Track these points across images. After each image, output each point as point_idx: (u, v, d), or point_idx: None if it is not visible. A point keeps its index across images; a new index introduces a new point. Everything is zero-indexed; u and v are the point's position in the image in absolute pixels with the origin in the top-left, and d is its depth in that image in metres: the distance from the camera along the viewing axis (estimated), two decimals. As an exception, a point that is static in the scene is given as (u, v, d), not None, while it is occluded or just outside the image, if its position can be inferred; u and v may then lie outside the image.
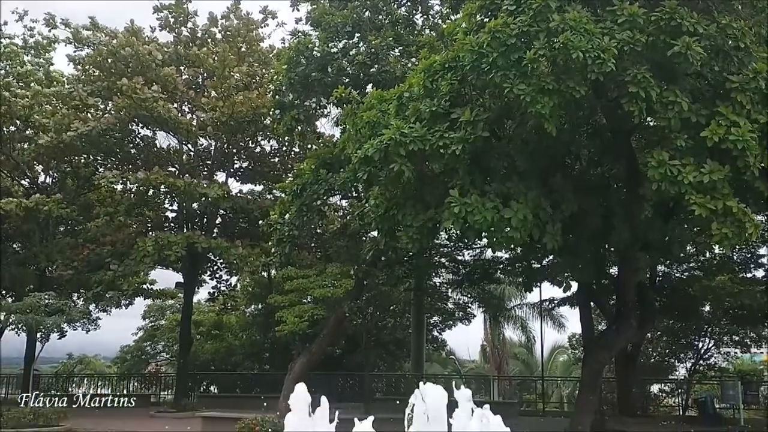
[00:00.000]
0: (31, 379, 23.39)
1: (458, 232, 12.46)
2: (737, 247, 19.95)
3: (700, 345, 27.74)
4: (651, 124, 12.83)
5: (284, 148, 27.88)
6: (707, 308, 25.81)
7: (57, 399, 19.58)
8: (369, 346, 29.55)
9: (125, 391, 31.76)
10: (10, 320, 21.82)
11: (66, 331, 25.45)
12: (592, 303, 18.53)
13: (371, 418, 3.96)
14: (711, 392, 26.04)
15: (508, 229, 11.22)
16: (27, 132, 26.91)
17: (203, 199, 23.72)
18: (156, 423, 20.02)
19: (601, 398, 20.06)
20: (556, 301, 28.78)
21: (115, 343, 39.27)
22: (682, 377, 28.93)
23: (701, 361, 28.36)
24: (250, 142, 27.51)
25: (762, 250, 23.83)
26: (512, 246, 13.04)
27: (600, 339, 16.77)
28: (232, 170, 28.42)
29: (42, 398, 18.96)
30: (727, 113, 10.66)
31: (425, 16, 20.32)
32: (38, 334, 23.59)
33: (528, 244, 12.26)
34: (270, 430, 12.34)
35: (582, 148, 15.35)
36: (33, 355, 25.81)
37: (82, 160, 27.60)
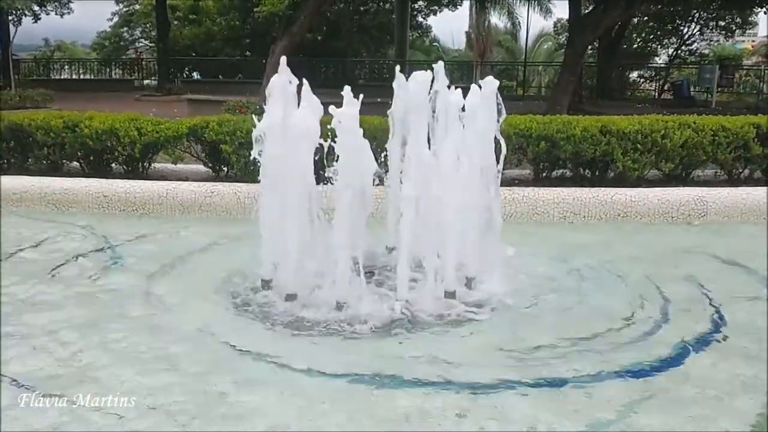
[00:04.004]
0: (11, 63, 23.14)
1: None
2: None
3: (685, 30, 27.61)
4: None
5: None
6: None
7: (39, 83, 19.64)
8: (351, 31, 29.13)
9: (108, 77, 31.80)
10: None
11: (39, 14, 24.70)
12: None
13: (358, 99, 3.94)
14: (688, 77, 26.52)
15: None
16: None
17: None
18: (142, 106, 20.28)
19: (580, 82, 20.43)
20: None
21: (91, 29, 38.39)
22: (663, 64, 29.24)
23: (683, 47, 28.46)
24: None
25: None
26: None
27: (586, 18, 16.56)
28: None
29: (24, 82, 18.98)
30: None
31: None
32: (10, 18, 22.84)
33: None
34: (254, 110, 12.59)
35: None
36: (8, 39, 25.25)
37: None
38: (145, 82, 31.41)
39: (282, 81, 4.24)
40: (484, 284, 4.36)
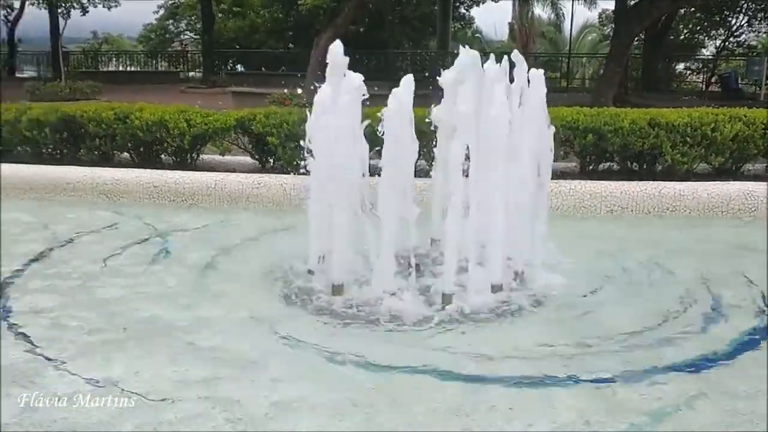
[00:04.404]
0: (61, 55, 23.64)
1: None
2: None
3: (733, 21, 26.94)
4: None
5: None
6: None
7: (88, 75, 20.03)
8: (394, 22, 29.07)
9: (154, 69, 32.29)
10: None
11: (87, 8, 25.19)
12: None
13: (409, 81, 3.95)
14: (735, 69, 25.88)
15: None
16: None
17: None
18: (188, 98, 20.57)
19: (626, 73, 20.10)
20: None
21: (138, 22, 38.97)
22: (710, 55, 28.60)
23: (731, 38, 27.78)
24: None
25: None
26: None
27: (633, 9, 16.28)
28: None
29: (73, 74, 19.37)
30: None
31: None
32: (59, 10, 23.34)
33: None
34: (298, 102, 12.66)
35: None
36: (58, 32, 25.80)
37: None
38: (190, 74, 31.83)
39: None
40: (531, 277, 4.34)
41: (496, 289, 4.13)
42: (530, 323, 3.86)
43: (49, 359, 3.38)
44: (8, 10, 29.84)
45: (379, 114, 3.95)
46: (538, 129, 4.31)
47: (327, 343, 3.55)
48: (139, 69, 32.66)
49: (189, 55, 33.57)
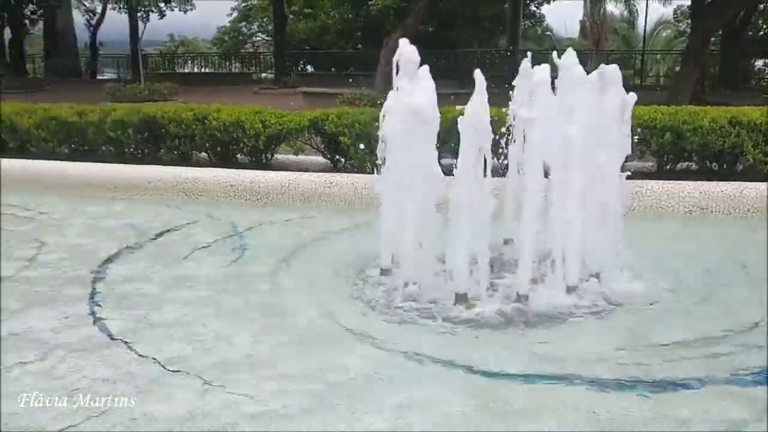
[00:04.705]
0: (140, 57, 24.44)
1: None
2: None
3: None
4: None
5: None
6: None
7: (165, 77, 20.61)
8: (463, 22, 28.96)
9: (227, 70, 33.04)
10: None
11: (164, 11, 26.01)
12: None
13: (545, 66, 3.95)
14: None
15: None
16: None
17: None
18: (260, 99, 20.97)
19: (703, 70, 19.49)
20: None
21: (212, 25, 39.99)
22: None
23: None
24: None
25: None
26: None
27: (711, 5, 15.78)
28: None
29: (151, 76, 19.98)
30: None
31: None
32: (138, 14, 24.15)
33: None
34: (369, 102, 12.77)
35: None
36: (137, 36, 26.71)
37: None
38: (262, 75, 32.45)
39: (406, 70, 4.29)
40: (608, 279, 4.28)
41: (571, 290, 4.09)
42: (604, 325, 3.80)
43: (129, 346, 3.54)
44: (91, 14, 31.04)
45: (458, 108, 3.96)
46: (615, 127, 4.25)
47: (396, 340, 3.57)
48: (212, 71, 33.47)
49: (261, 56, 34.22)
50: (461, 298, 3.99)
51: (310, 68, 32.71)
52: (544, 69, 3.99)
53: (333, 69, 30.41)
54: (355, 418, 2.85)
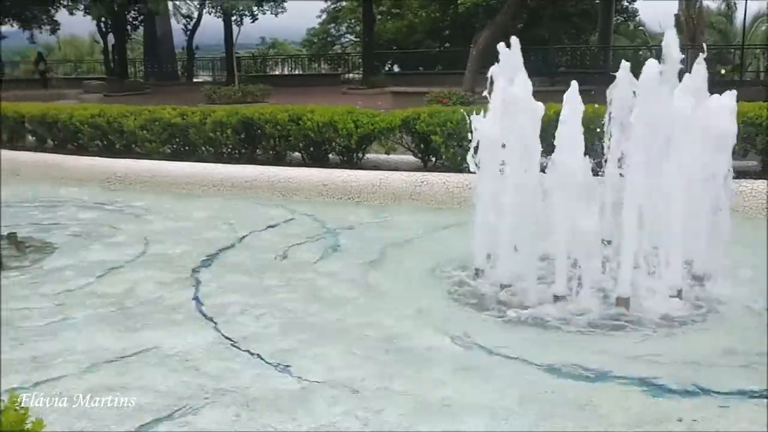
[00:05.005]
0: (235, 61, 25.11)
1: None
2: None
3: None
4: None
5: None
6: None
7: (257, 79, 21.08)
8: (553, 18, 28.46)
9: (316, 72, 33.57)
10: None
11: (257, 15, 26.67)
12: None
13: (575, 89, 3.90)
14: None
15: None
16: None
17: None
18: (349, 99, 21.22)
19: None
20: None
21: (301, 27, 40.70)
22: None
23: None
24: None
25: None
26: None
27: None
28: None
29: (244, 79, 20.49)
30: None
31: None
32: (233, 19, 24.87)
33: None
34: (458, 100, 12.74)
35: None
36: (232, 39, 27.48)
37: None
38: (349, 75, 32.79)
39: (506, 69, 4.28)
40: (712, 283, 4.15)
41: (673, 294, 3.98)
42: (708, 330, 3.69)
43: (229, 339, 3.70)
44: (188, 20, 32.19)
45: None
46: (720, 126, 4.11)
47: (494, 342, 3.56)
48: (301, 72, 34.07)
49: (348, 57, 34.60)
50: (560, 299, 3.95)
51: (395, 67, 32.84)
52: (652, 65, 3.88)
53: (420, 68, 30.43)
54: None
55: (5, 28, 31.17)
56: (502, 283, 4.22)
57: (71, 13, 27.71)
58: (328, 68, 34.19)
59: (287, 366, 3.34)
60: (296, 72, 34.79)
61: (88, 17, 26.98)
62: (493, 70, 4.32)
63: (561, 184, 3.87)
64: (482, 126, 4.26)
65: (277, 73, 34.64)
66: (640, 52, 27.86)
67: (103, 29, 30.99)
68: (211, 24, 29.92)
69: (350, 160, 7.91)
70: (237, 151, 8.43)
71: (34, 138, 10.07)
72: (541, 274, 4.13)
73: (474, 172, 4.46)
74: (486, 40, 15.36)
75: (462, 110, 7.18)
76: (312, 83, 26.54)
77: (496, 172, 4.28)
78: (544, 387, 3.11)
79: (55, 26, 30.46)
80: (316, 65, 34.98)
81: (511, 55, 4.29)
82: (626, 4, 32.65)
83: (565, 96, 3.92)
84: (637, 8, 34.24)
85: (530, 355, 3.40)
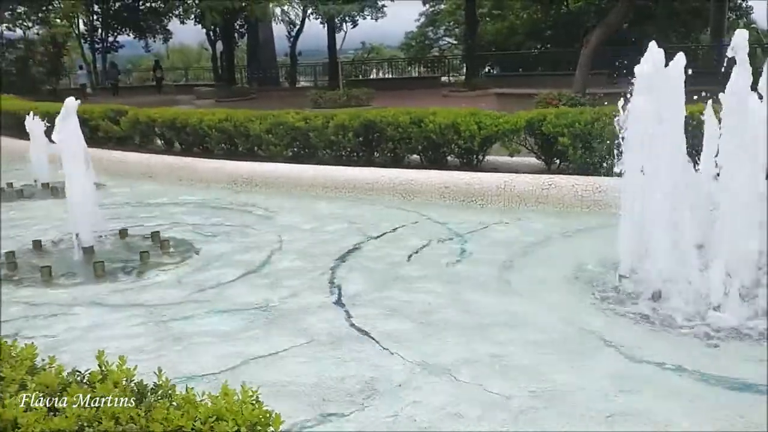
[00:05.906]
0: (339, 66, 25.48)
1: None
2: None
3: None
4: None
5: None
6: None
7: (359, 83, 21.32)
8: (662, 17, 27.50)
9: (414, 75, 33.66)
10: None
11: (357, 20, 27.08)
12: None
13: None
14: None
15: None
16: None
17: None
18: (451, 101, 21.12)
19: None
20: None
21: (398, 31, 40.94)
22: None
23: None
24: None
25: None
26: None
27: None
28: None
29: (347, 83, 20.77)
30: None
31: None
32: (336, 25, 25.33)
33: None
34: (571, 102, 12.49)
35: None
36: (335, 45, 27.96)
37: None
38: (449, 78, 32.70)
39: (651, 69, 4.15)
40: None
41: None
42: None
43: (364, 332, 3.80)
44: (291, 26, 32.94)
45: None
46: None
47: (645, 349, 3.47)
48: (398, 76, 34.22)
49: (447, 59, 34.53)
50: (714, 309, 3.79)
51: (494, 70, 32.51)
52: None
53: (520, 69, 30.03)
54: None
55: (121, 38, 32.86)
56: (651, 289, 4.08)
57: (182, 23, 28.95)
58: (425, 71, 34.25)
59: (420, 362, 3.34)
60: (394, 76, 34.98)
61: (198, 26, 28.13)
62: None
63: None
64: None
65: (374, 77, 34.94)
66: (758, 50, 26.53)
67: (212, 37, 32.13)
68: (313, 30, 30.54)
69: (470, 163, 7.86)
70: (356, 154, 8.53)
71: (162, 141, 10.54)
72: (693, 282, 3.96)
73: (619, 175, 4.33)
74: (597, 40, 15.01)
75: (590, 111, 7.06)
76: (411, 86, 26.59)
77: (647, 176, 4.14)
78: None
79: (167, 35, 31.91)
80: (416, 68, 35.07)
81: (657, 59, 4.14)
82: (739, 1, 31.21)
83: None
84: (752, 5, 32.69)
85: (677, 361, 3.31)
